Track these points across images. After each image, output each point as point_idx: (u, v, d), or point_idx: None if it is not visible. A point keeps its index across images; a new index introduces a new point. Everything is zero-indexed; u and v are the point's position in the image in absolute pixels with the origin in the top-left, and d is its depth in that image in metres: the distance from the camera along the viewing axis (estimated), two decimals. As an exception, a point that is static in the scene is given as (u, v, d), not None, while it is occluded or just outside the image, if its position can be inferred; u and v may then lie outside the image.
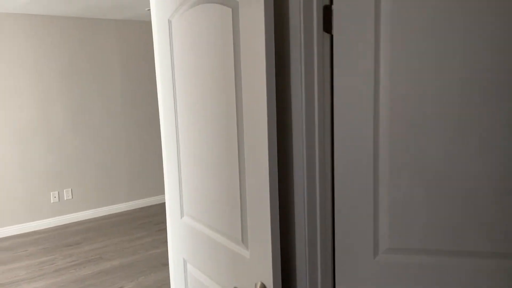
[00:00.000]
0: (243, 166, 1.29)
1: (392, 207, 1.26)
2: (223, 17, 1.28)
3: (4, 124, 4.51)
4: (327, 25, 1.24)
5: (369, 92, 1.21)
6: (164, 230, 4.70)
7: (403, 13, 1.14)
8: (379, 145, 1.24)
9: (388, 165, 1.24)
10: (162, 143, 1.84)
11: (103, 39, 5.03)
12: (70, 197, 5.05)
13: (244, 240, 1.33)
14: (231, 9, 1.24)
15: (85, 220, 5.16)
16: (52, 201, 4.97)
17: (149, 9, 4.40)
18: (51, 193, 4.90)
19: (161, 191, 5.81)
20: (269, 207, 1.19)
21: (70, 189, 5.03)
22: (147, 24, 5.23)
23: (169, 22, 1.57)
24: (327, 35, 1.25)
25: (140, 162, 5.57)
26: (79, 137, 5.03)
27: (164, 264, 3.85)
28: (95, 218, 5.21)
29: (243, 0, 1.17)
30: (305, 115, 1.27)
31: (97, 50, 5.00)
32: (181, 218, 1.72)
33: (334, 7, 1.21)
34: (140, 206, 5.72)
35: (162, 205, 5.65)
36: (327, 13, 1.24)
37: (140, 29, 5.34)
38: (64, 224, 4.98)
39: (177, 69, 1.58)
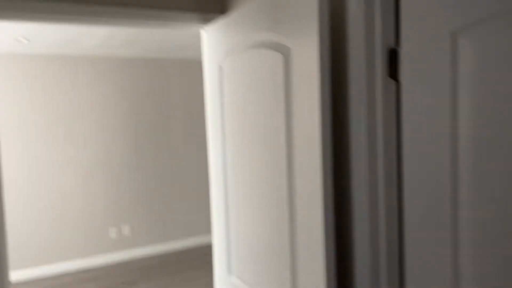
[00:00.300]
0: (294, 221, 1.14)
1: (476, 253, 1.04)
2: (274, 63, 1.17)
3: (69, 160, 4.68)
4: (392, 70, 1.09)
5: (444, 146, 1.03)
6: (219, 271, 4.56)
7: (487, 57, 0.96)
8: (459, 193, 1.04)
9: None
10: (211, 192, 1.73)
11: (166, 78, 5.15)
12: (129, 233, 5.10)
13: (295, 314, 1.17)
14: (282, 55, 1.13)
15: (143, 256, 5.17)
16: (111, 237, 5.04)
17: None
18: (111, 228, 4.97)
19: (218, 230, 5.71)
20: (324, 275, 1.02)
21: (129, 225, 5.08)
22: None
23: (220, 67, 1.49)
24: (392, 81, 1.09)
25: (199, 200, 5.54)
26: (140, 174, 5.11)
27: (217, 310, 3.70)
28: (153, 255, 5.20)
29: (296, 46, 1.06)
30: (368, 167, 1.10)
31: (160, 89, 5.12)
32: (229, 274, 1.59)
33: (402, 50, 1.06)
34: (198, 244, 5.66)
35: (219, 244, 5.53)
36: (392, 57, 1.08)
37: (202, 68, 5.42)
38: (122, 260, 5.00)
39: (226, 112, 1.48)
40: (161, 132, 5.24)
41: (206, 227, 5.65)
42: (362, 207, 1.11)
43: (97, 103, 4.77)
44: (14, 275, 4.71)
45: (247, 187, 1.37)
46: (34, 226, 4.74)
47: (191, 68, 5.33)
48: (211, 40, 1.56)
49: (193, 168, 5.52)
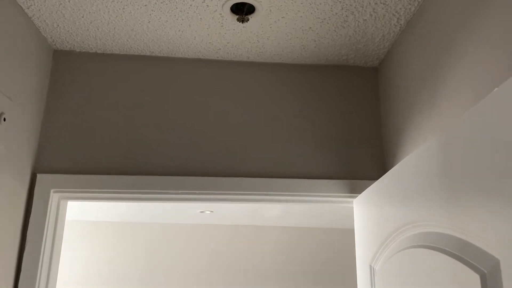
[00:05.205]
0: None
1: None
2: (457, 279, 0.79)
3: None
4: None
5: None
6: None
7: None
8: None
9: None
10: None
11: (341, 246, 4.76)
12: None
13: None
14: (479, 276, 0.74)
15: None
16: None
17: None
18: None
19: None
20: None
21: None
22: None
23: (371, 267, 1.15)
24: None
25: None
26: None
27: None
28: None
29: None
30: None
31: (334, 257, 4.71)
32: None
33: None
34: None
35: None
36: None
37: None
38: None
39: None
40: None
41: None
42: None
43: (278, 270, 4.60)
44: None
45: None
46: None
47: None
48: (359, 218, 1.26)
49: None
